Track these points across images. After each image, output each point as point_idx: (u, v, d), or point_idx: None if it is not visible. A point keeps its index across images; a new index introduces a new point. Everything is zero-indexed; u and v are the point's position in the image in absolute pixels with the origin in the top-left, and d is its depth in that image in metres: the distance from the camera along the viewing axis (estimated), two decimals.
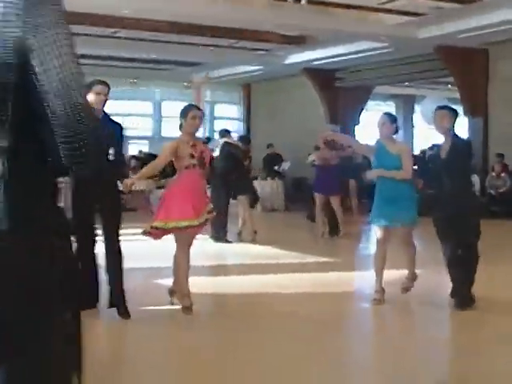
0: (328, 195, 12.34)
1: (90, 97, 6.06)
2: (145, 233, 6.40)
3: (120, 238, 6.20)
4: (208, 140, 13.40)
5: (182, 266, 6.44)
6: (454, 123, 6.74)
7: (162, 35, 16.77)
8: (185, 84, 22.54)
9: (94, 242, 6.28)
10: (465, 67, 17.19)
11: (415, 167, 7.15)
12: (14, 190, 1.75)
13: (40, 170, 1.79)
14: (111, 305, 6.29)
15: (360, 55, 18.08)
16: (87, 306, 6.28)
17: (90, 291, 6.30)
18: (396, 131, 7.13)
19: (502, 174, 16.41)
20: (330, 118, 20.55)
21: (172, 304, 6.61)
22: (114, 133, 6.22)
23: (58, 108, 1.69)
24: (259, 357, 5.23)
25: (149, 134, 24.78)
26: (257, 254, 10.80)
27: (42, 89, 1.69)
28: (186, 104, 6.93)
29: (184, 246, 6.41)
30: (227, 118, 25.81)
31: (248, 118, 25.79)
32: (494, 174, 16.53)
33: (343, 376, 4.90)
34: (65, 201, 6.04)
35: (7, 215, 1.73)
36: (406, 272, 7.18)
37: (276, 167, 20.26)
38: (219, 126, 21.41)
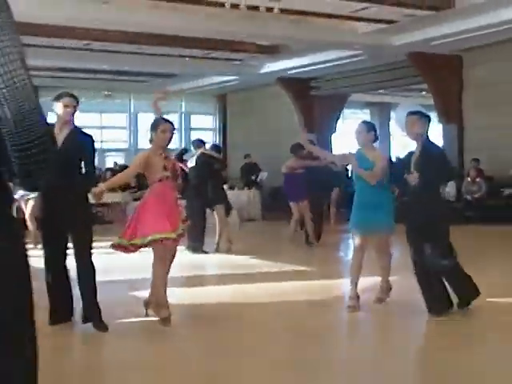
0: (298, 202, 12.51)
1: (58, 109, 6.03)
2: (114, 246, 6.35)
3: (92, 250, 6.12)
4: (185, 151, 13.31)
5: (159, 276, 6.37)
6: (427, 129, 6.63)
7: (137, 47, 16.75)
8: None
9: (65, 255, 6.20)
10: (438, 74, 17.30)
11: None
12: None
13: None
14: (86, 319, 6.21)
15: (334, 63, 18.16)
16: (61, 319, 6.23)
17: (62, 304, 6.24)
18: (375, 139, 7.12)
19: (478, 179, 16.47)
20: (307, 127, 20.61)
21: (147, 316, 6.55)
22: (85, 145, 6.17)
23: (7, 114, 1.67)
24: (238, 367, 5.19)
25: (125, 146, 24.71)
26: (234, 263, 10.77)
27: None
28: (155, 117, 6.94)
29: (162, 256, 6.34)
30: (203, 128, 25.81)
31: (224, 129, 25.80)
32: (469, 179, 16.59)
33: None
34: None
35: None
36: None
37: (253, 177, 20.27)
38: (195, 136, 21.37)
